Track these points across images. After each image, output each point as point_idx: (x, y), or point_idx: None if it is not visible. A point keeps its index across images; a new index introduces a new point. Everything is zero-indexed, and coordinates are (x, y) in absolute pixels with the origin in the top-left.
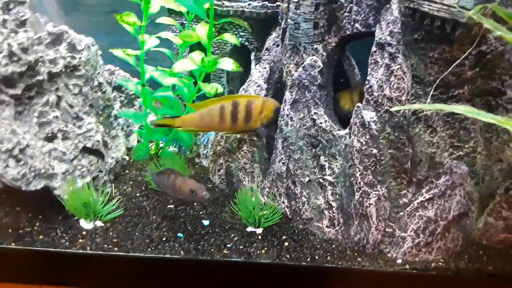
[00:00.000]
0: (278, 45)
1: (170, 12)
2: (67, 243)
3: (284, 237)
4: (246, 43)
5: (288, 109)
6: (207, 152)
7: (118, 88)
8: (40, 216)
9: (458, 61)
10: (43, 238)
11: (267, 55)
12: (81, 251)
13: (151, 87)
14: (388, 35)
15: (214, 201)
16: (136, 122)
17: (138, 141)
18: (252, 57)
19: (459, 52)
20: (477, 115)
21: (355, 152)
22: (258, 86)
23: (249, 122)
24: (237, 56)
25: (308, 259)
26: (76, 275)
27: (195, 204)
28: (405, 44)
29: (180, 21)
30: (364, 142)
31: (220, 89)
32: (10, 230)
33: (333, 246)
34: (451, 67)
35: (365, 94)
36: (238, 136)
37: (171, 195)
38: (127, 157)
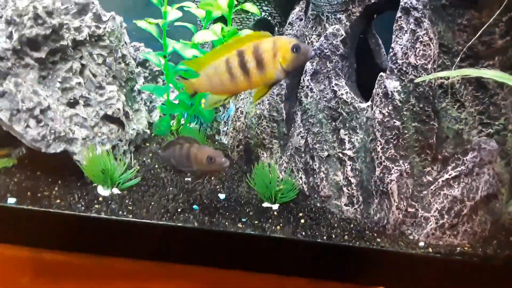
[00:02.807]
0: (301, 19)
1: None
2: (82, 208)
3: (300, 214)
4: (269, 18)
5: (308, 80)
6: (227, 129)
7: (142, 64)
8: (59, 182)
9: (485, 27)
10: (60, 202)
11: (290, 29)
12: (94, 215)
13: (175, 63)
14: None
15: (232, 176)
16: (158, 95)
17: (160, 117)
18: (275, 32)
19: (489, 18)
20: (508, 80)
21: (377, 124)
22: None
23: (263, 71)
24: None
25: (324, 237)
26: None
27: (212, 177)
28: (432, 10)
29: None
30: (386, 114)
31: None
32: (28, 193)
33: (351, 225)
34: (478, 34)
35: (388, 62)
36: (258, 112)
37: (184, 168)
38: (148, 131)
